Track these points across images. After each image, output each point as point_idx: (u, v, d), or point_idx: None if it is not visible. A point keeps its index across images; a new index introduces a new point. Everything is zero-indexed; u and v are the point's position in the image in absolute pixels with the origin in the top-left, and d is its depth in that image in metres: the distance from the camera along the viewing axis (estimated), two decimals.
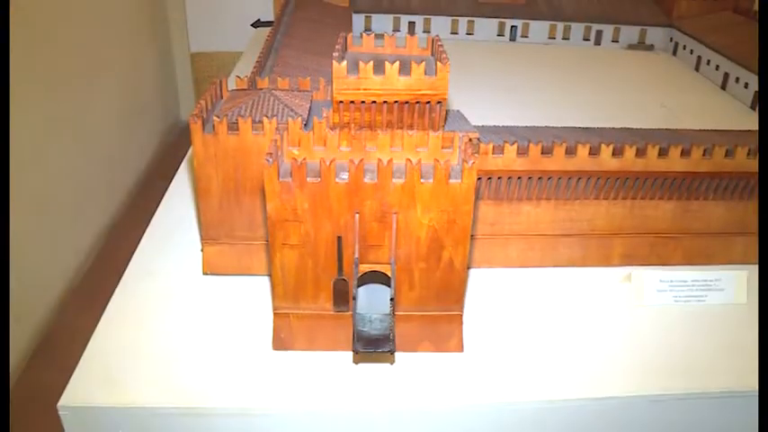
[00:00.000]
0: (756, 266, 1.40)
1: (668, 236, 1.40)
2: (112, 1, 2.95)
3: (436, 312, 1.10)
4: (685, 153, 1.31)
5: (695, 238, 1.41)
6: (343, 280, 1.05)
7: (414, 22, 2.86)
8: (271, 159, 0.96)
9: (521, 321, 1.24)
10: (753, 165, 1.33)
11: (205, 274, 1.31)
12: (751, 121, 2.13)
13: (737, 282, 1.32)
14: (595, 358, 1.16)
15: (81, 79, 2.56)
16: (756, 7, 2.82)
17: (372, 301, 1.09)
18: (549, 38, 2.93)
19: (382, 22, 2.86)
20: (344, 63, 1.10)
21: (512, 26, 2.90)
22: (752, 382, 1.12)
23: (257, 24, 3.50)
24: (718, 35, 2.62)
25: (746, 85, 2.29)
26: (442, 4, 2.90)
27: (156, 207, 1.59)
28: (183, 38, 3.80)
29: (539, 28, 2.91)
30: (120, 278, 1.33)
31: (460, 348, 1.13)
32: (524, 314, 1.25)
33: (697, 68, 2.66)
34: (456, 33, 2.90)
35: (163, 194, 1.65)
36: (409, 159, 0.97)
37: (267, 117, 1.15)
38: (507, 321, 1.23)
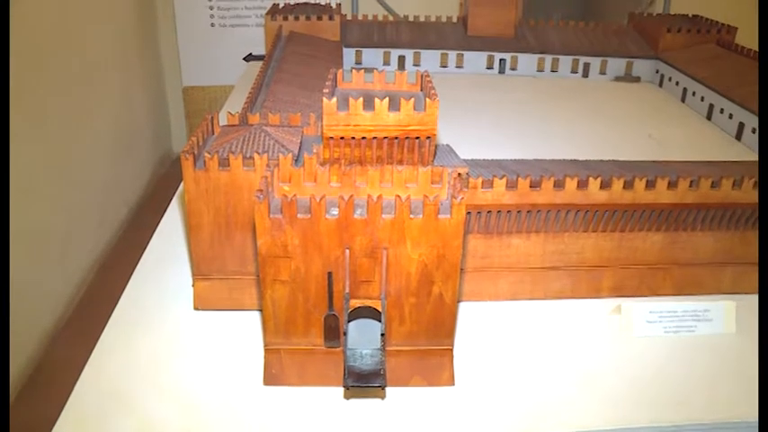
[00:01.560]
0: (745, 296, 1.42)
1: (657, 267, 1.41)
2: (105, 35, 2.97)
3: (427, 347, 1.10)
4: (672, 185, 1.32)
5: (684, 268, 1.42)
6: (334, 315, 1.06)
7: (404, 56, 2.90)
8: (261, 196, 0.97)
9: (512, 354, 1.24)
10: (738, 195, 1.34)
11: (196, 309, 1.31)
12: (735, 151, 2.16)
13: (726, 312, 1.33)
14: (587, 391, 1.16)
15: (73, 112, 2.57)
16: (737, 40, 2.87)
17: (363, 336, 1.09)
18: (538, 70, 2.96)
19: (373, 56, 2.89)
20: (334, 99, 1.11)
21: (501, 59, 2.93)
22: (744, 412, 1.12)
23: (249, 58, 3.53)
24: (702, 67, 2.66)
25: (731, 116, 2.32)
26: (431, 39, 2.94)
27: (148, 241, 1.59)
28: (176, 72, 3.83)
29: (527, 61, 2.95)
30: (111, 312, 1.32)
31: (452, 382, 1.13)
32: (515, 347, 1.26)
33: (683, 99, 2.70)
34: (446, 67, 2.93)
35: (155, 228, 1.65)
36: (398, 195, 0.98)
37: (258, 153, 1.16)
38: (498, 354, 1.23)
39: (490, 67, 2.95)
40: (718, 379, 1.20)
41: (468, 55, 2.92)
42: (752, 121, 2.19)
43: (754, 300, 1.41)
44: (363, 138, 1.13)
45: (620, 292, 1.41)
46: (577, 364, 1.22)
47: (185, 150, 1.16)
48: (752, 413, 1.12)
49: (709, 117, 2.48)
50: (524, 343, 1.27)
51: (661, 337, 1.30)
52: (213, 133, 1.33)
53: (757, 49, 2.62)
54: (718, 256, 1.42)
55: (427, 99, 1.12)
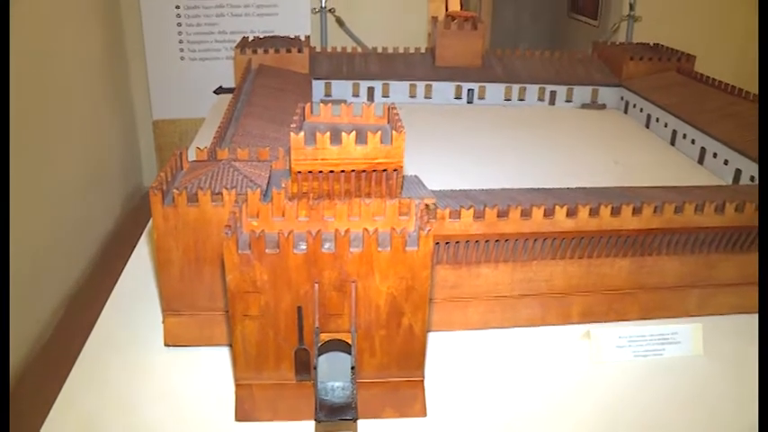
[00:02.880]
0: (711, 318, 1.45)
1: (625, 292, 1.43)
2: (72, 68, 2.97)
3: (398, 378, 1.10)
4: (637, 211, 1.35)
5: (651, 292, 1.44)
6: (305, 349, 1.06)
7: (373, 88, 2.92)
8: (229, 232, 0.97)
9: (483, 383, 1.24)
10: (701, 220, 1.37)
11: (167, 345, 1.30)
12: (698, 176, 2.21)
13: (694, 334, 1.35)
14: (560, 418, 1.17)
15: (41, 145, 2.56)
16: (697, 68, 2.95)
17: (334, 369, 1.09)
18: (506, 99, 3.00)
19: (342, 87, 2.91)
20: (302, 134, 1.12)
21: (468, 89, 2.97)
22: None
23: (219, 91, 3.54)
24: (664, 94, 2.72)
25: (693, 141, 2.37)
26: (399, 70, 2.97)
27: (119, 276, 1.58)
28: (146, 105, 3.83)
29: (495, 90, 2.99)
30: (80, 349, 1.31)
31: (424, 413, 1.13)
32: (487, 375, 1.26)
33: (647, 126, 2.75)
34: (414, 97, 2.96)
35: (125, 263, 1.64)
36: (366, 229, 0.99)
37: (226, 188, 1.17)
38: (470, 383, 1.24)
39: (458, 97, 2.99)
40: (690, 401, 1.22)
41: (436, 85, 2.96)
42: (713, 146, 2.24)
43: (719, 321, 1.44)
44: (331, 171, 1.14)
45: (589, 317, 1.42)
46: (549, 392, 1.23)
47: (154, 186, 1.17)
48: None
49: (672, 142, 2.53)
50: (496, 371, 1.28)
51: (631, 361, 1.31)
52: (182, 169, 1.33)
53: (715, 77, 2.69)
54: (683, 280, 1.45)
55: (394, 132, 1.14)
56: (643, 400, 1.22)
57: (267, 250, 0.98)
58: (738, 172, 2.09)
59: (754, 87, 2.49)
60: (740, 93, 2.47)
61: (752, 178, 2.02)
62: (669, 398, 1.23)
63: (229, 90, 3.15)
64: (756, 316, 1.47)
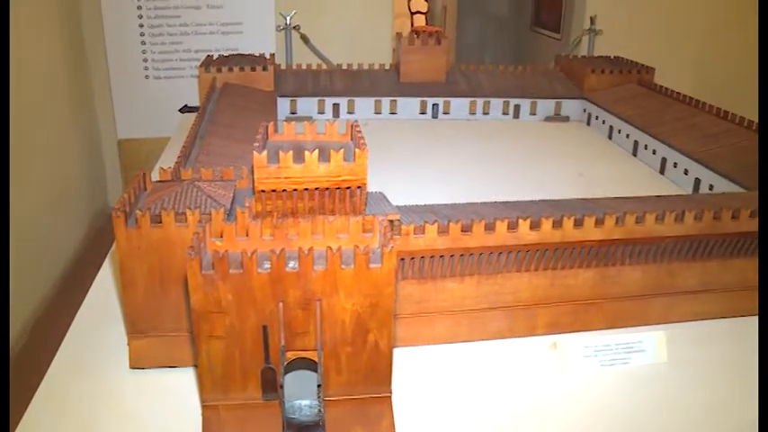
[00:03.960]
0: (674, 325, 1.47)
1: (590, 302, 1.45)
2: (37, 87, 2.94)
3: (365, 395, 1.10)
4: (599, 222, 1.37)
5: (615, 302, 1.46)
6: (271, 368, 1.05)
7: (338, 104, 2.93)
8: (193, 252, 0.97)
9: (452, 397, 1.25)
10: (662, 229, 1.40)
11: (132, 368, 1.28)
12: (659, 185, 2.25)
13: (657, 342, 1.37)
14: (529, 429, 1.18)
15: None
16: (657, 80, 3.01)
17: (301, 388, 1.09)
18: (470, 114, 3.03)
19: (307, 104, 2.91)
20: (264, 153, 1.13)
21: (433, 104, 3.00)
22: None
23: (185, 110, 3.52)
24: (625, 106, 2.77)
25: (654, 152, 2.42)
26: (364, 86, 2.98)
27: (83, 298, 1.56)
28: (110, 124, 3.80)
29: (459, 105, 3.01)
30: (44, 372, 1.29)
31: (392, 430, 1.13)
32: (456, 389, 1.27)
33: (610, 137, 2.80)
34: (380, 113, 2.98)
35: (90, 284, 1.62)
36: (330, 247, 0.99)
37: (190, 209, 1.16)
38: (439, 398, 1.24)
39: (423, 113, 3.01)
40: (657, 408, 1.24)
41: (401, 101, 2.97)
42: (673, 157, 2.28)
43: (682, 328, 1.47)
44: (295, 189, 1.14)
45: (555, 328, 1.44)
46: (518, 404, 1.24)
47: (117, 208, 1.16)
48: None
49: (634, 153, 2.58)
50: (464, 385, 1.28)
51: (598, 370, 1.33)
52: (145, 189, 1.32)
53: (674, 89, 2.75)
54: (646, 289, 1.47)
55: (357, 149, 1.14)
56: (611, 408, 1.23)
57: (231, 270, 0.98)
58: (698, 181, 2.13)
59: (711, 98, 2.55)
60: (698, 104, 2.53)
61: (710, 187, 2.06)
62: (636, 406, 1.24)
63: (195, 109, 3.15)
64: (717, 322, 1.51)
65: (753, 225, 1.44)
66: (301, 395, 1.09)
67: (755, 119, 2.23)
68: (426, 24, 8.56)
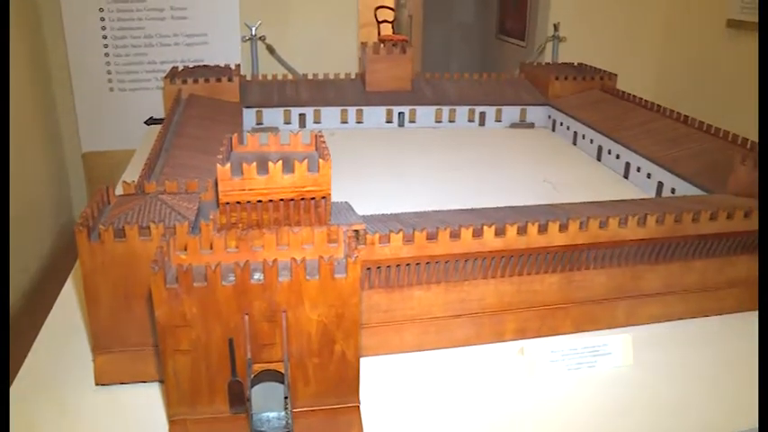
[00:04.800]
0: (639, 327, 1.50)
1: (556, 307, 1.46)
2: None
3: (334, 406, 1.10)
4: (563, 228, 1.38)
5: (581, 306, 1.48)
6: (238, 381, 1.05)
7: (304, 114, 2.93)
8: (156, 266, 0.96)
9: (422, 405, 1.25)
10: (625, 233, 1.42)
11: (98, 384, 1.27)
12: (623, 189, 2.28)
13: (623, 344, 1.39)
14: None
15: None
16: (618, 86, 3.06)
17: (269, 400, 1.09)
18: (436, 121, 3.05)
19: (273, 115, 2.91)
20: (228, 165, 1.13)
21: (399, 113, 3.01)
22: None
23: (150, 122, 3.50)
24: (589, 111, 2.81)
25: (618, 156, 2.45)
26: (330, 96, 2.99)
27: (48, 314, 1.54)
28: (74, 137, 3.75)
29: (425, 113, 3.03)
30: (8, 391, 1.27)
31: None
32: (425, 397, 1.27)
33: (574, 143, 2.83)
34: (346, 123, 2.98)
35: (55, 299, 1.60)
36: (294, 258, 0.99)
37: (154, 222, 1.16)
38: (408, 406, 1.25)
39: (389, 121, 3.02)
40: (623, 410, 1.25)
41: (367, 110, 2.98)
42: (636, 161, 2.32)
43: (647, 330, 1.49)
44: (259, 201, 1.14)
45: (523, 334, 1.45)
46: (487, 410, 1.24)
47: (79, 223, 1.15)
48: None
49: (599, 158, 2.61)
50: (433, 393, 1.28)
51: (565, 374, 1.34)
52: (109, 203, 1.31)
53: (636, 94, 2.79)
54: (611, 292, 1.49)
55: (321, 160, 1.15)
56: (579, 412, 1.25)
57: (195, 283, 0.98)
58: (660, 185, 2.17)
59: (671, 103, 2.60)
60: (659, 109, 2.57)
61: (673, 190, 2.09)
62: (604, 408, 1.26)
63: (160, 120, 3.12)
64: (681, 323, 1.53)
65: (712, 227, 1.47)
66: (269, 407, 1.08)
67: (714, 123, 2.28)
68: (393, 33, 8.61)
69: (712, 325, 1.54)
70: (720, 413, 1.25)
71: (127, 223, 1.16)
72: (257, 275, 0.99)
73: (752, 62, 3.73)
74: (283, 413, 1.04)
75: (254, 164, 1.12)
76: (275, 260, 0.98)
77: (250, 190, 1.13)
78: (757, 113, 2.22)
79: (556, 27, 4.08)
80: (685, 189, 2.02)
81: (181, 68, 2.98)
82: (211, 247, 1.05)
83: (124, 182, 1.37)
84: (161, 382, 1.23)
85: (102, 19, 3.56)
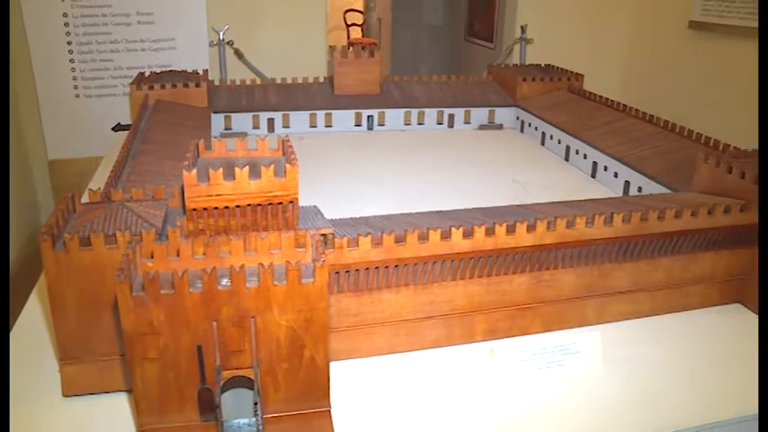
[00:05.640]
0: (608, 325, 1.52)
1: (526, 307, 1.47)
2: None
3: (305, 410, 1.10)
4: (531, 228, 1.39)
5: (550, 305, 1.49)
6: (208, 389, 1.04)
7: (273, 119, 2.92)
8: (122, 275, 0.96)
9: (394, 407, 1.25)
10: (592, 232, 1.44)
11: (66, 396, 1.25)
12: (592, 189, 2.31)
13: (592, 342, 1.40)
14: None
15: None
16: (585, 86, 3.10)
17: (240, 406, 1.08)
18: (405, 124, 3.06)
19: (242, 120, 2.89)
20: (194, 171, 1.12)
21: (368, 116, 3.01)
22: None
23: (118, 128, 3.46)
24: (556, 112, 2.84)
25: (585, 156, 2.48)
26: (299, 100, 2.98)
27: (13, 323, 1.52)
28: (40, 145, 3.70)
29: (394, 116, 3.04)
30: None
31: None
32: (397, 400, 1.27)
33: (543, 143, 2.86)
34: (315, 127, 2.97)
35: (21, 309, 1.58)
36: (261, 263, 0.99)
37: (120, 230, 1.15)
38: (381, 409, 1.25)
39: (359, 125, 3.02)
40: (594, 407, 1.27)
41: (336, 114, 2.98)
42: (603, 160, 2.35)
43: (616, 328, 1.51)
44: (227, 207, 1.14)
45: (493, 334, 1.46)
46: (460, 411, 1.25)
47: (43, 232, 1.13)
48: None
49: (566, 158, 2.64)
50: (406, 395, 1.29)
51: (535, 373, 1.35)
52: (74, 211, 1.29)
53: (602, 95, 2.83)
54: (580, 291, 1.50)
55: (287, 164, 1.14)
56: (550, 411, 1.26)
57: (162, 291, 0.97)
58: (627, 184, 2.20)
59: (637, 103, 2.64)
60: (625, 109, 2.61)
61: (639, 189, 2.12)
62: (575, 406, 1.27)
63: (128, 127, 3.09)
64: (649, 320, 1.55)
65: (677, 225, 1.49)
66: (240, 414, 1.08)
67: (678, 122, 2.31)
68: (362, 36, 8.61)
69: (679, 321, 1.56)
70: (690, 407, 1.27)
71: (92, 231, 1.15)
72: (225, 281, 0.99)
73: (713, 62, 3.80)
74: (254, 419, 1.03)
75: (221, 170, 1.12)
76: (242, 266, 0.98)
77: (217, 196, 1.12)
78: (744, 114, 2.27)
79: (523, 29, 4.11)
80: (651, 187, 2.05)
81: (148, 74, 2.96)
82: (178, 254, 1.04)
83: (90, 189, 1.35)
84: (130, 391, 1.22)
85: (67, 24, 3.52)
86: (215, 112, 2.83)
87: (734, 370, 1.38)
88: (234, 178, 1.12)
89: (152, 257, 1.04)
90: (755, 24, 3.48)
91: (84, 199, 1.34)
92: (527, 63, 3.80)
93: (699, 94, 3.91)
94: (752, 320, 1.57)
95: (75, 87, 3.63)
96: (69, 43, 3.55)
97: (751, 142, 2.02)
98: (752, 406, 1.26)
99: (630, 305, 1.55)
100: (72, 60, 3.58)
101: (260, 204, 1.14)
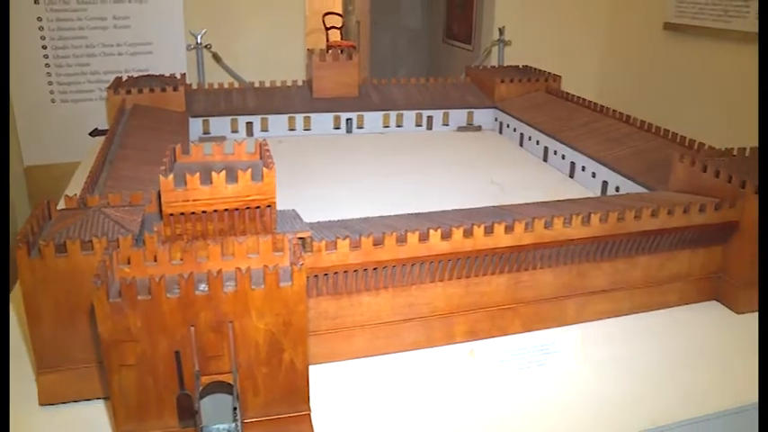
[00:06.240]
0: (588, 324, 1.53)
1: (505, 307, 1.48)
2: None
3: (284, 414, 1.10)
4: (509, 229, 1.40)
5: (530, 306, 1.50)
6: (186, 394, 1.04)
7: (251, 123, 2.91)
8: (99, 281, 0.95)
9: (374, 410, 1.25)
10: (570, 232, 1.44)
11: (42, 405, 1.24)
12: (569, 189, 2.32)
13: (572, 341, 1.41)
14: None
15: None
16: (563, 87, 3.12)
17: (219, 412, 1.08)
18: (384, 127, 3.06)
19: (220, 124, 2.88)
20: (171, 176, 1.11)
21: (347, 119, 3.01)
22: None
23: (95, 133, 3.44)
24: (534, 113, 2.86)
25: (563, 157, 2.50)
26: (277, 103, 2.97)
27: None
28: (16, 151, 3.66)
29: (373, 118, 3.03)
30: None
31: None
32: (377, 402, 1.27)
33: (521, 144, 2.87)
34: (294, 130, 2.97)
35: None
36: (239, 268, 0.99)
37: (96, 236, 1.14)
38: (361, 412, 1.25)
39: (337, 128, 3.01)
40: (575, 405, 1.28)
41: (314, 117, 2.97)
42: (581, 161, 2.36)
43: (595, 327, 1.53)
44: (204, 212, 1.14)
45: (473, 335, 1.46)
46: (441, 413, 1.25)
47: (18, 239, 1.12)
48: None
49: (545, 159, 2.65)
50: (386, 398, 1.29)
51: (516, 373, 1.35)
52: (50, 218, 1.28)
53: (579, 95, 2.85)
54: (559, 291, 1.51)
55: (265, 168, 1.14)
56: (531, 410, 1.26)
57: (139, 297, 0.96)
58: (605, 184, 2.21)
59: (614, 103, 2.66)
60: (602, 109, 2.63)
61: (617, 188, 2.14)
62: (555, 405, 1.28)
63: (105, 132, 3.07)
64: (628, 318, 1.57)
65: (654, 223, 1.51)
66: (219, 419, 1.07)
67: (654, 121, 2.33)
68: (341, 39, 8.61)
69: (658, 319, 1.58)
70: (671, 403, 1.28)
71: (69, 238, 1.14)
72: (202, 286, 0.98)
73: (688, 63, 3.85)
74: (233, 424, 1.03)
75: (198, 174, 1.11)
76: (220, 271, 0.97)
77: (194, 201, 1.12)
78: (756, 116, 2.29)
79: (501, 31, 4.13)
80: (629, 187, 2.07)
81: (125, 78, 2.94)
82: (155, 260, 1.04)
83: (66, 196, 1.34)
84: (107, 398, 1.21)
85: (41, 29, 3.48)
86: (193, 117, 2.82)
87: (712, 366, 1.40)
88: (211, 183, 1.12)
89: (129, 263, 1.04)
90: (727, 26, 3.53)
91: (61, 205, 1.32)
92: (505, 65, 3.82)
93: (674, 94, 3.95)
94: (728, 317, 1.59)
95: (51, 92, 3.59)
96: (44, 47, 3.51)
97: (725, 141, 2.04)
98: (731, 401, 1.28)
99: (609, 304, 1.56)
100: (48, 65, 3.54)
101: (237, 209, 1.14)
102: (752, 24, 3.36)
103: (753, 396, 1.29)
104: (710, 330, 1.54)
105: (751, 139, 2.21)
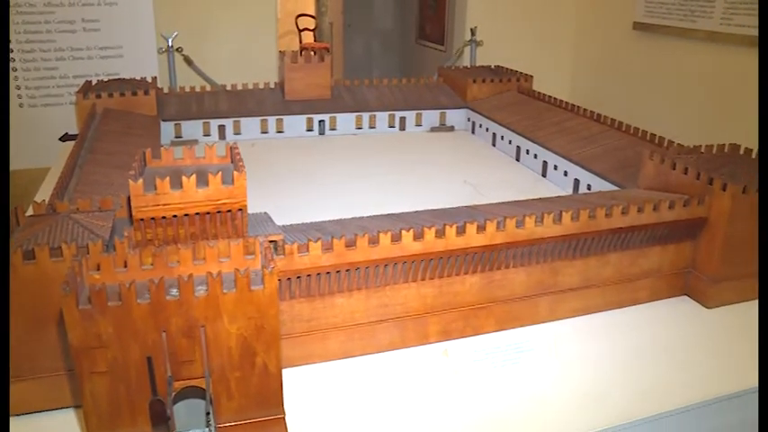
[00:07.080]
0: (562, 321, 1.54)
1: (478, 307, 1.49)
2: None
3: (259, 418, 1.09)
4: (481, 228, 1.41)
5: (503, 305, 1.51)
6: (159, 400, 1.03)
7: (224, 126, 2.89)
8: (68, 288, 0.94)
9: (349, 412, 1.25)
10: (541, 231, 1.46)
11: (13, 415, 1.22)
12: (542, 188, 2.35)
13: (545, 339, 1.42)
14: None
15: None
16: (534, 87, 3.14)
17: (193, 417, 1.07)
18: (357, 128, 3.06)
19: (192, 127, 2.86)
20: (140, 181, 1.11)
21: (320, 121, 3.01)
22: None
23: (65, 138, 3.39)
24: (506, 113, 2.88)
25: (536, 156, 2.51)
26: (249, 106, 2.96)
27: None
28: None
29: (345, 120, 3.03)
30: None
31: None
32: (352, 404, 1.27)
33: (494, 144, 2.89)
34: (266, 132, 2.95)
35: None
36: (210, 272, 0.98)
37: (66, 242, 1.13)
38: (336, 414, 1.24)
39: (310, 130, 3.01)
40: (550, 402, 1.29)
41: (287, 119, 2.97)
42: (553, 160, 2.38)
43: (569, 324, 1.54)
44: (175, 216, 1.13)
45: (447, 335, 1.47)
46: (416, 413, 1.26)
47: None
48: None
49: (517, 158, 2.67)
50: (361, 399, 1.29)
51: (490, 372, 1.36)
52: (18, 225, 1.27)
53: (552, 95, 2.87)
54: (532, 289, 1.52)
55: (235, 171, 1.14)
56: (506, 408, 1.27)
57: (109, 303, 0.95)
58: (577, 182, 2.24)
59: (585, 102, 2.69)
60: (573, 108, 2.65)
61: (589, 186, 2.16)
62: (529, 403, 1.29)
63: (76, 137, 3.04)
64: (598, 315, 1.58)
65: (625, 221, 1.52)
66: (193, 424, 1.07)
67: (625, 120, 2.36)
68: (315, 41, 8.60)
69: (630, 315, 1.60)
70: (644, 399, 1.29)
71: (37, 244, 1.13)
72: (173, 291, 0.97)
73: (657, 61, 3.89)
74: (207, 430, 1.02)
75: (168, 178, 1.11)
76: (191, 275, 0.97)
77: (164, 205, 1.11)
78: (751, 117, 2.32)
79: (473, 31, 4.15)
80: (600, 185, 2.09)
81: (95, 82, 2.91)
82: (126, 265, 1.03)
83: (34, 202, 1.33)
84: (79, 407, 1.20)
85: None
86: (165, 120, 2.80)
87: (685, 361, 1.42)
88: (181, 187, 1.11)
89: (99, 269, 1.03)
90: (693, 26, 3.58)
91: (30, 212, 1.31)
92: (477, 65, 3.84)
93: (644, 93, 4.00)
94: (699, 312, 1.61)
95: (19, 97, 3.54)
96: (11, 51, 3.46)
97: (693, 138, 2.07)
98: (702, 394, 1.30)
99: (582, 301, 1.57)
100: (14, 69, 3.49)
101: (208, 212, 1.13)
102: (716, 24, 3.42)
103: (721, 389, 1.31)
104: (682, 326, 1.56)
105: (718, 136, 2.24)
